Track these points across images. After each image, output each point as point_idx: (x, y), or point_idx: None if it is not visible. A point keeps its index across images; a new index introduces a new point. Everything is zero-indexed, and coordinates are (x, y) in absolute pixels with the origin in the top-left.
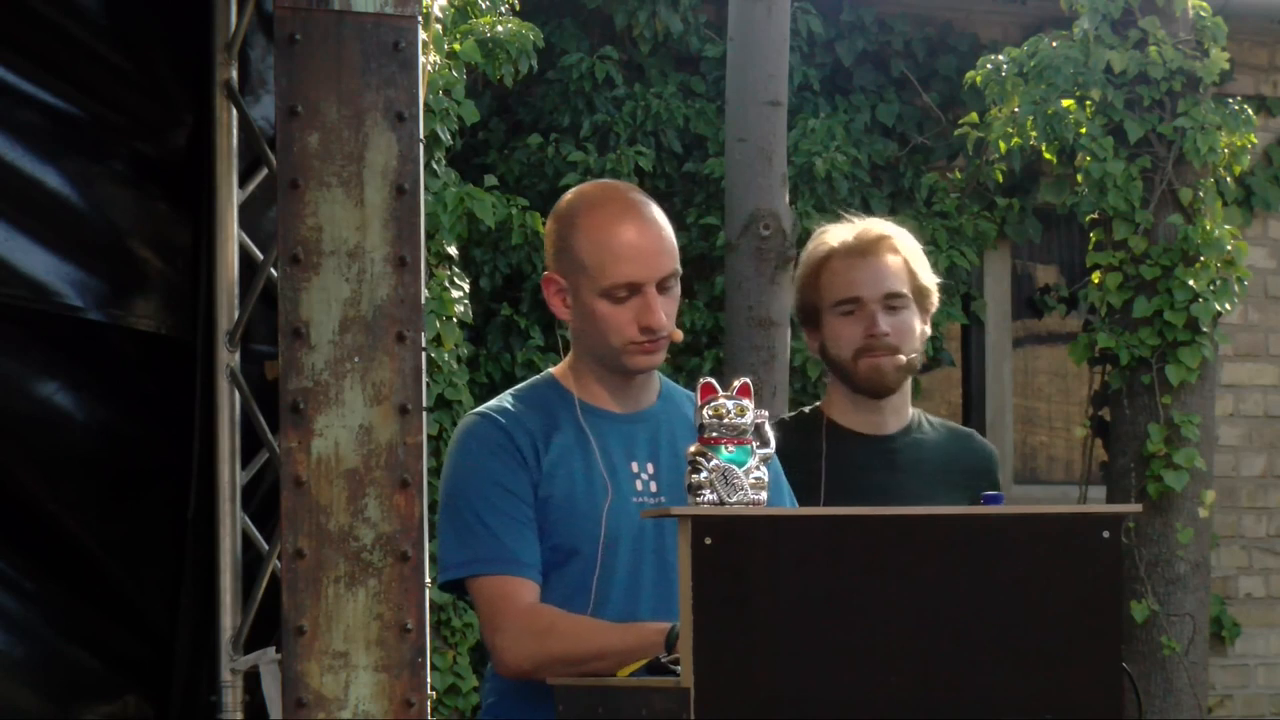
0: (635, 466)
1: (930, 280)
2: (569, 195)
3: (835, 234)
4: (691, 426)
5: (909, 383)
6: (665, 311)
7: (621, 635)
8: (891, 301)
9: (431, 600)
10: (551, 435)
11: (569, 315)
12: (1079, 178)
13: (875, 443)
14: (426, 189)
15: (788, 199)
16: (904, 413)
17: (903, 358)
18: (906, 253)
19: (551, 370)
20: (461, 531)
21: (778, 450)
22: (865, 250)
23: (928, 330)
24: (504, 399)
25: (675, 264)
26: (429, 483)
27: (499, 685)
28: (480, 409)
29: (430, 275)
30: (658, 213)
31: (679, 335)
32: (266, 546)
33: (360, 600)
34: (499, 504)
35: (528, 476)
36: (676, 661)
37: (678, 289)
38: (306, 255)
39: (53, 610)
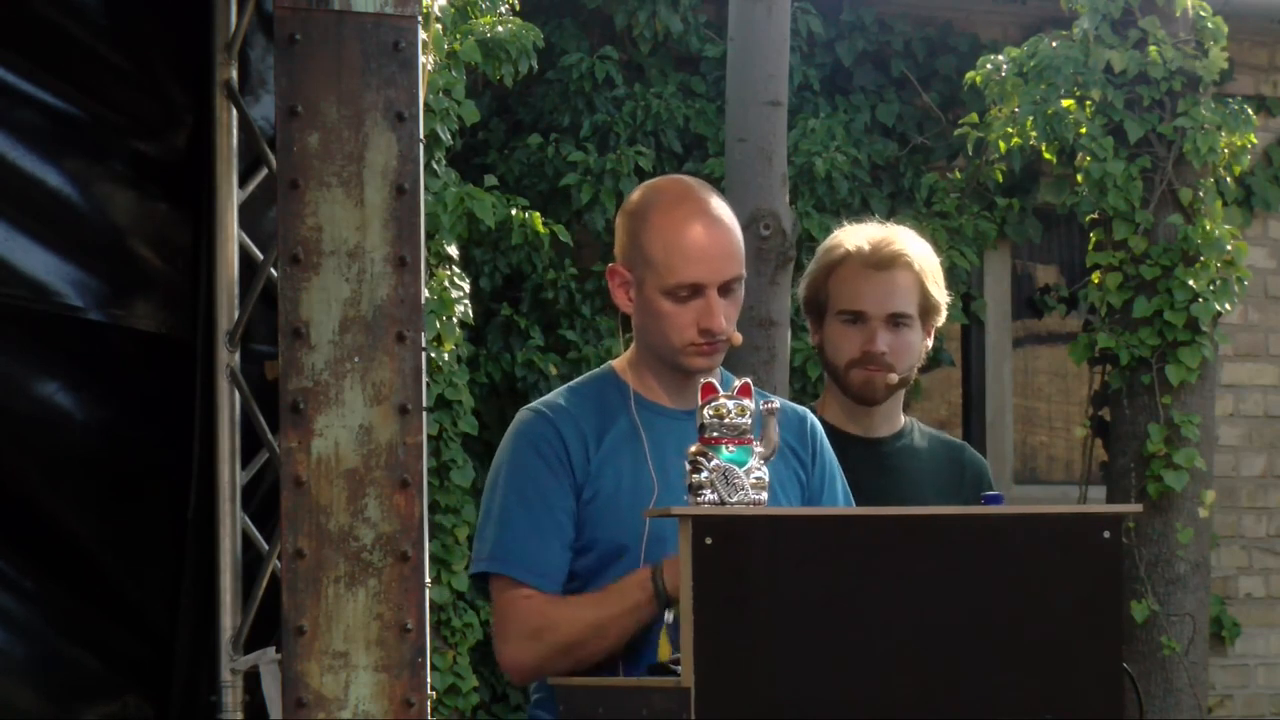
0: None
1: (941, 296)
2: (643, 189)
3: (854, 238)
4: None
5: (901, 391)
6: (726, 315)
7: (603, 602)
8: (895, 320)
9: (431, 600)
10: (604, 432)
11: (632, 309)
12: (1079, 178)
13: (865, 445)
14: (426, 189)
15: (788, 199)
16: (895, 419)
17: (895, 376)
18: (922, 271)
19: (612, 362)
20: (491, 526)
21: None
22: (879, 265)
23: (929, 343)
24: (560, 393)
25: (740, 268)
26: (429, 483)
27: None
28: (536, 404)
29: (430, 275)
30: (728, 215)
31: (738, 339)
32: (266, 546)
33: (360, 600)
34: (532, 508)
35: (569, 481)
36: (677, 662)
37: (741, 292)
38: (306, 255)
39: (53, 610)
